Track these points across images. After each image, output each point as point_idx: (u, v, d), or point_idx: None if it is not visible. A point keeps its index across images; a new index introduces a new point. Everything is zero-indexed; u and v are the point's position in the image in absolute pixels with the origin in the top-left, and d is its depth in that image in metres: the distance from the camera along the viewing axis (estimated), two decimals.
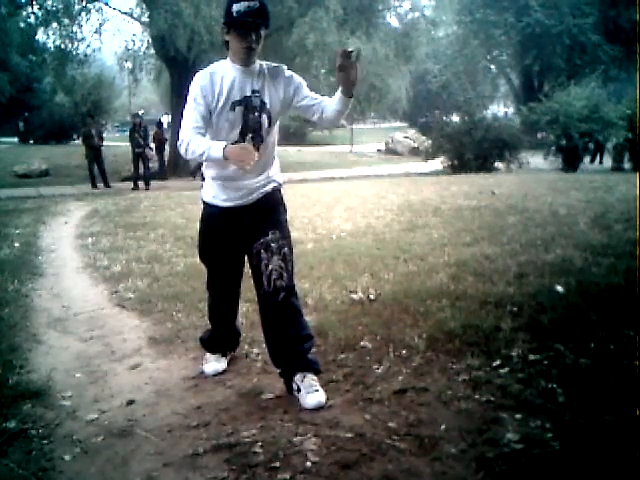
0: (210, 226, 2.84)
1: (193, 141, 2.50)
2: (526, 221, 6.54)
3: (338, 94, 2.57)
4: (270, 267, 2.62)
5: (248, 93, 2.59)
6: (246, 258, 2.81)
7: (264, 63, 2.66)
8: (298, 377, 2.66)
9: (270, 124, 2.63)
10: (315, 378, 2.68)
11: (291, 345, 2.69)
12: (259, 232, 2.66)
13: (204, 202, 2.84)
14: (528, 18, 26.14)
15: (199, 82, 2.59)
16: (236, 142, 2.57)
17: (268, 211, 2.72)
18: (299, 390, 2.64)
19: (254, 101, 2.59)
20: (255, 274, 2.71)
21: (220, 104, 2.57)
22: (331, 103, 2.62)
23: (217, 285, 2.98)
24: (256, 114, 2.60)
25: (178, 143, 2.57)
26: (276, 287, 2.62)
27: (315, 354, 2.86)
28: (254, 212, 2.70)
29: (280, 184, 2.82)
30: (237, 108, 2.58)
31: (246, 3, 2.48)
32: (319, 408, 2.55)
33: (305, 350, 2.71)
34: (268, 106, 2.61)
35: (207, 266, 2.96)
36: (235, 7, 2.49)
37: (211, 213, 2.81)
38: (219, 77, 2.59)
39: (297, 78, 2.68)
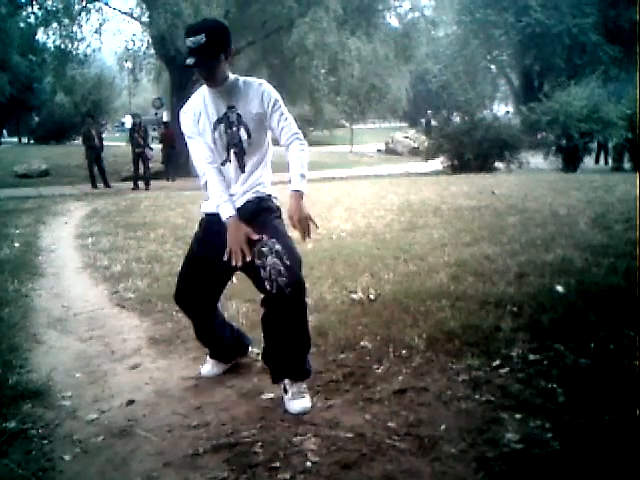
0: (199, 230, 2.84)
1: (210, 183, 2.61)
2: (526, 221, 6.54)
3: (292, 178, 2.58)
4: (268, 268, 2.47)
5: (225, 110, 2.61)
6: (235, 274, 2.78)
7: (240, 78, 2.65)
8: (288, 381, 2.62)
9: (249, 136, 2.62)
10: (304, 384, 2.64)
11: (290, 350, 2.59)
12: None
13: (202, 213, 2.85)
14: (528, 18, 26.09)
15: (184, 116, 2.67)
16: (225, 160, 2.65)
17: (251, 217, 2.61)
18: (286, 392, 2.61)
19: (231, 117, 2.61)
20: (257, 283, 2.56)
21: (204, 127, 2.63)
22: (290, 158, 2.62)
23: (189, 298, 2.82)
24: (234, 128, 2.61)
25: (199, 175, 2.67)
26: (279, 285, 2.46)
27: (311, 356, 2.75)
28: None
29: (268, 195, 2.72)
30: (218, 127, 2.62)
31: (191, 39, 2.42)
32: (308, 410, 2.54)
33: (302, 358, 2.64)
34: (244, 119, 2.60)
35: (186, 273, 2.84)
36: (186, 42, 2.45)
37: (201, 219, 2.84)
38: (198, 104, 2.65)
39: (272, 95, 2.61)
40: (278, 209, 2.74)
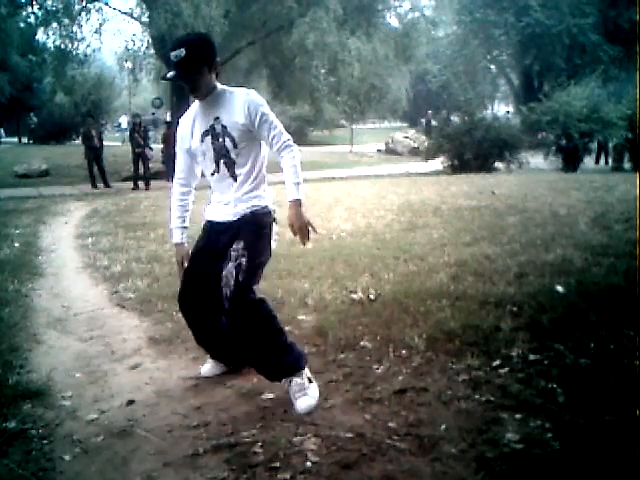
0: (200, 234, 2.87)
1: (172, 205, 2.92)
2: (526, 221, 6.54)
3: (288, 188, 2.58)
4: (224, 273, 2.55)
5: (211, 122, 2.63)
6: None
7: (227, 89, 2.66)
8: (284, 381, 2.64)
9: (235, 146, 2.62)
10: (300, 379, 2.61)
11: (262, 355, 2.62)
12: (227, 251, 2.62)
13: None
14: (528, 18, 26.09)
15: (179, 127, 2.78)
16: (215, 171, 2.69)
17: (241, 230, 2.65)
18: (289, 393, 2.62)
19: (217, 128, 2.63)
20: None
21: (193, 139, 2.69)
22: (283, 167, 2.60)
23: (191, 299, 2.82)
24: (220, 140, 2.63)
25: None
26: (225, 294, 2.53)
27: (296, 351, 2.68)
28: (228, 233, 2.68)
29: (263, 207, 2.70)
30: (205, 138, 2.65)
31: (173, 53, 2.51)
32: (314, 408, 2.55)
33: (271, 359, 2.61)
34: (229, 130, 2.61)
35: (186, 273, 2.86)
36: (170, 55, 2.53)
37: (204, 224, 2.87)
38: (191, 115, 2.72)
39: (258, 106, 2.58)
40: (270, 224, 2.72)
